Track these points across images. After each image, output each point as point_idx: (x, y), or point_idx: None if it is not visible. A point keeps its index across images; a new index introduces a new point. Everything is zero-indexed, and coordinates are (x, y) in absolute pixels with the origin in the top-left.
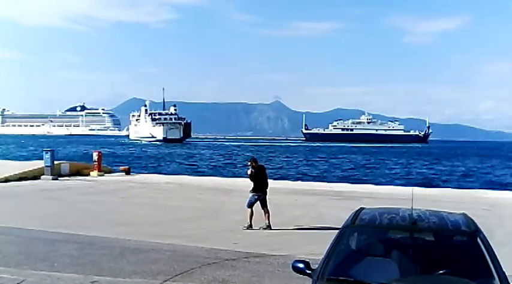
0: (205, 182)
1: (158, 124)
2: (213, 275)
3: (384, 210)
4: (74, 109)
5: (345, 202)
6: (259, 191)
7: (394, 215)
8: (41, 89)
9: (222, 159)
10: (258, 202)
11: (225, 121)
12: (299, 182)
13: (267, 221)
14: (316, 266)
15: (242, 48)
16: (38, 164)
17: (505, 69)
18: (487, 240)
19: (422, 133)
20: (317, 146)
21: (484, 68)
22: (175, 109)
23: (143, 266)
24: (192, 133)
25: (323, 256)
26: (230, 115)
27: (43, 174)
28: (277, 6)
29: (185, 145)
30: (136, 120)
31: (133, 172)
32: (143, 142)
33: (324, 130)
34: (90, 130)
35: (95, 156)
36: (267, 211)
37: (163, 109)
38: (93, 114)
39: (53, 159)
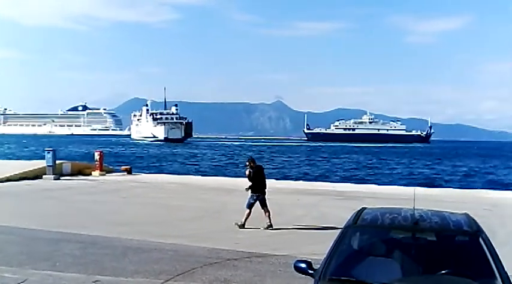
0: (207, 182)
1: (159, 124)
2: (215, 275)
3: (386, 210)
4: (75, 109)
5: (347, 202)
6: (258, 191)
7: (396, 215)
8: (41, 89)
9: (224, 159)
10: (258, 203)
11: (226, 121)
12: (301, 182)
13: (268, 221)
14: (318, 266)
15: (243, 48)
16: (39, 164)
17: (507, 69)
18: (489, 240)
19: (424, 133)
20: (319, 146)
21: (486, 67)
22: (176, 109)
23: (145, 266)
24: (193, 133)
25: (325, 256)
26: (232, 115)
27: (45, 174)
28: (278, 6)
29: (186, 145)
30: (138, 119)
31: (135, 172)
32: (144, 142)
33: (326, 130)
34: (91, 130)
35: (97, 156)
36: (267, 211)
37: (165, 109)
38: (95, 114)
39: (54, 158)
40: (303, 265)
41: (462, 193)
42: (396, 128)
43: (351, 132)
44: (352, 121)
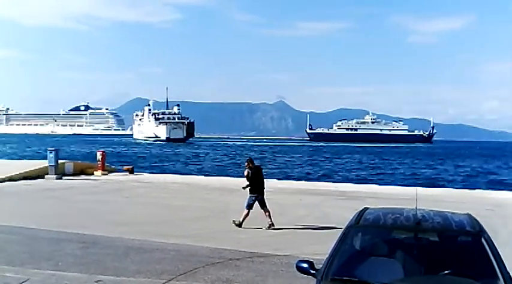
0: (209, 182)
1: (161, 124)
2: (217, 275)
3: (388, 210)
4: (78, 108)
5: (349, 202)
6: (257, 192)
7: (398, 215)
8: (42, 89)
9: (226, 159)
10: (258, 203)
11: (228, 121)
12: (303, 182)
13: (269, 221)
14: (320, 266)
15: (244, 48)
16: (42, 163)
17: (508, 69)
18: (491, 240)
19: (427, 133)
20: (321, 146)
21: (487, 67)
22: (178, 109)
23: (147, 266)
24: (195, 133)
25: (327, 256)
26: (234, 115)
27: (47, 173)
28: (279, 6)
29: (188, 145)
30: (140, 119)
31: (137, 171)
32: (147, 141)
33: (328, 130)
34: (94, 129)
35: (99, 156)
36: (267, 211)
37: (167, 109)
38: (97, 114)
39: (57, 158)
40: (305, 265)
41: (464, 193)
42: (398, 128)
43: (353, 132)
44: (354, 121)
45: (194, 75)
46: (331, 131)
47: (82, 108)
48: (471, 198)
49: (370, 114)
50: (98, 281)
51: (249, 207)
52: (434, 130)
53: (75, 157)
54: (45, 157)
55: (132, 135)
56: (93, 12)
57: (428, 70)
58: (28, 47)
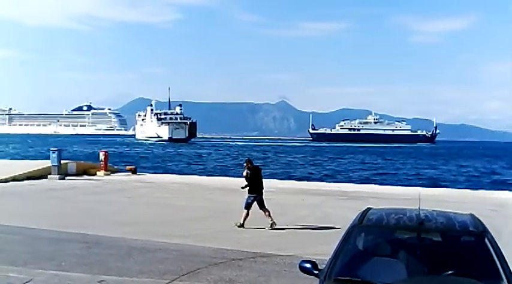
0: (211, 182)
1: (164, 124)
2: (220, 275)
3: (391, 210)
4: (80, 109)
5: (351, 202)
6: (255, 192)
7: (401, 215)
8: (44, 89)
9: (229, 159)
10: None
11: (230, 121)
12: (305, 182)
13: (270, 220)
14: (323, 266)
15: (247, 48)
16: (45, 163)
17: (510, 69)
18: (494, 241)
19: (430, 133)
20: (324, 146)
21: (490, 67)
22: (181, 109)
23: (150, 266)
24: (197, 133)
25: (330, 256)
26: (236, 115)
27: (50, 174)
28: (281, 7)
29: (191, 145)
30: (142, 119)
31: (139, 172)
32: (149, 142)
33: (331, 130)
34: (96, 129)
35: (102, 156)
36: (266, 211)
37: (169, 109)
38: (100, 114)
39: (59, 158)
40: (308, 265)
41: (467, 193)
42: (401, 128)
43: (356, 132)
44: (357, 121)
45: (196, 75)
46: (333, 131)
47: (84, 108)
48: (474, 198)
49: (373, 114)
50: (101, 281)
51: (248, 206)
52: (437, 131)
53: (78, 157)
54: (48, 158)
55: (134, 135)
56: (95, 12)
57: (430, 70)
58: (30, 47)
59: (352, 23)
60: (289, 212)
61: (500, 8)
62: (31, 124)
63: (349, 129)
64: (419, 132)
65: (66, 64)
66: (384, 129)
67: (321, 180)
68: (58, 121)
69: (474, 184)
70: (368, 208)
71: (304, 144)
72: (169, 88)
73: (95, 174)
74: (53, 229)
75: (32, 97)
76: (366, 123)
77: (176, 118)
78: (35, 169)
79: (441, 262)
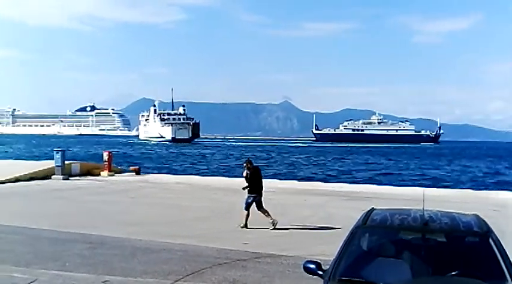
0: (215, 182)
1: (167, 125)
2: (224, 276)
3: (395, 211)
4: (84, 109)
5: (355, 202)
6: (255, 192)
7: (405, 216)
8: (46, 89)
9: (232, 159)
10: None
11: (234, 121)
12: (308, 182)
13: (270, 220)
14: (328, 266)
15: (250, 48)
16: (48, 164)
17: None
18: (499, 241)
19: (434, 133)
20: (327, 146)
21: (493, 67)
22: (184, 110)
23: (154, 266)
24: (200, 134)
25: (334, 257)
26: (239, 115)
27: (54, 174)
28: (284, 7)
29: (194, 145)
30: (146, 120)
31: (143, 172)
32: (152, 142)
33: (335, 130)
34: (100, 130)
35: (105, 156)
36: (265, 211)
37: (172, 110)
38: (103, 114)
39: (63, 158)
40: (312, 266)
41: (471, 193)
42: (405, 128)
43: (359, 132)
44: (360, 121)
45: (199, 76)
46: (337, 131)
47: (88, 108)
48: (477, 198)
49: (377, 114)
50: (105, 281)
51: (248, 206)
52: (441, 131)
53: (82, 157)
54: (51, 158)
55: (138, 135)
56: (97, 12)
57: (434, 70)
58: (30, 47)
59: (356, 24)
60: (292, 212)
61: (502, 8)
62: (35, 125)
63: (353, 130)
64: (423, 132)
65: (67, 64)
66: (388, 129)
67: (324, 180)
68: (61, 121)
69: (478, 184)
70: (372, 208)
71: (307, 144)
72: (172, 89)
73: (98, 175)
74: (57, 230)
75: (33, 97)
76: (370, 123)
77: (179, 119)
78: (39, 169)
79: (446, 262)
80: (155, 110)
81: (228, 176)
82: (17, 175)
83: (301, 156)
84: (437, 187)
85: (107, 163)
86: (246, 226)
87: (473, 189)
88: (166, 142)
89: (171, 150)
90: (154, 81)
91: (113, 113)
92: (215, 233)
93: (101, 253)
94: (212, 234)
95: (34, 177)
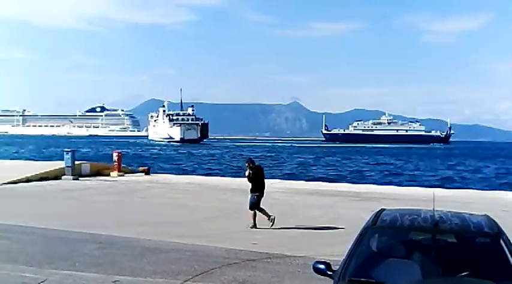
0: (224, 182)
1: (176, 125)
2: (234, 276)
3: (405, 211)
4: (93, 110)
5: (364, 203)
6: (258, 191)
7: (415, 216)
8: (57, 90)
9: (241, 160)
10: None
11: (242, 122)
12: (318, 182)
13: (267, 218)
14: (337, 267)
15: (258, 49)
16: (59, 164)
17: None
18: (510, 242)
19: (444, 133)
20: (337, 147)
21: (502, 67)
22: (193, 110)
23: (163, 266)
24: (209, 134)
25: (344, 257)
26: (248, 116)
27: (64, 174)
28: (292, 7)
29: (203, 146)
30: (155, 120)
31: (152, 172)
32: (161, 142)
33: (344, 131)
34: (109, 130)
35: (115, 157)
36: (261, 209)
37: (181, 110)
38: (113, 115)
39: (73, 159)
40: (322, 266)
41: (481, 194)
42: (415, 129)
43: (369, 133)
44: (370, 122)
45: (208, 76)
46: (347, 132)
47: (98, 109)
48: (486, 199)
49: (386, 114)
50: (115, 281)
51: (252, 206)
52: (452, 131)
53: (91, 158)
54: (61, 158)
55: (147, 136)
56: (107, 14)
57: (443, 70)
58: (40, 48)
59: (364, 23)
60: (301, 212)
61: (510, 8)
62: (45, 126)
63: (363, 130)
64: (433, 133)
65: (77, 65)
66: (398, 130)
67: (334, 180)
68: (71, 122)
69: (489, 184)
70: (382, 209)
71: (317, 144)
72: (181, 90)
73: (108, 175)
74: (67, 230)
75: (43, 98)
76: (380, 123)
77: (188, 120)
78: (49, 169)
79: (456, 263)
80: (164, 111)
81: (237, 176)
82: (28, 175)
83: (311, 157)
84: (447, 188)
85: (116, 163)
86: (255, 226)
87: (483, 189)
88: (175, 143)
89: (180, 151)
90: (163, 82)
91: (122, 114)
92: (224, 234)
93: (111, 253)
94: (221, 234)
95: (45, 177)
